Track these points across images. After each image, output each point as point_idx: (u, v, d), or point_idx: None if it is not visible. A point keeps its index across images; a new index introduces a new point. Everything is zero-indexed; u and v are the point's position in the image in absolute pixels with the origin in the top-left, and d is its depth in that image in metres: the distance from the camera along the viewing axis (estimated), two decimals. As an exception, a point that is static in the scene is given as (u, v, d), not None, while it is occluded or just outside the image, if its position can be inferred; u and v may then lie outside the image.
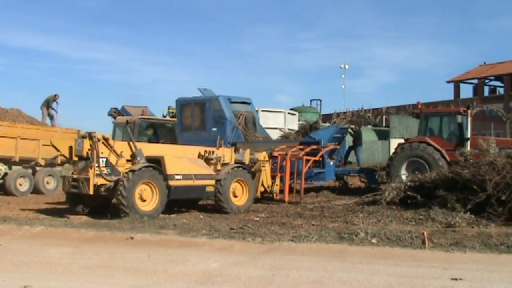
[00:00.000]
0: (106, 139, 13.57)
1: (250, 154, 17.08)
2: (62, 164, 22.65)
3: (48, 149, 21.13)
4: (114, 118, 23.86)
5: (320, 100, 36.02)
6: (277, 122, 26.82)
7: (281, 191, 17.56)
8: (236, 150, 16.70)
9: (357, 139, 22.37)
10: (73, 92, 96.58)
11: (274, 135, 24.64)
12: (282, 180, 17.70)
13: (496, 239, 9.67)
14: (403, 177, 16.74)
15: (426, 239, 9.39)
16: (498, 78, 56.48)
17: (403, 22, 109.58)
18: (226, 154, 16.29)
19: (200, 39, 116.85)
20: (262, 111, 26.48)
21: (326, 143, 19.55)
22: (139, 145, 14.16)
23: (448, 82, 59.82)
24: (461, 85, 58.72)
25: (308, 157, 18.04)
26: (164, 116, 25.28)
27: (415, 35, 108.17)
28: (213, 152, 15.76)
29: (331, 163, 19.28)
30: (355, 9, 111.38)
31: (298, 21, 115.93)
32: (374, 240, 9.65)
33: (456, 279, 7.02)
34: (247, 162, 16.81)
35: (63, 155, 21.67)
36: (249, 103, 23.49)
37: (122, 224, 11.92)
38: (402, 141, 19.41)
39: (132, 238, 10.19)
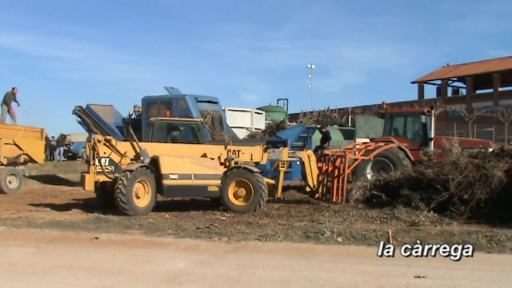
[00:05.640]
0: (108, 140, 14.04)
1: (290, 152, 16.28)
2: (25, 163, 22.30)
3: (11, 148, 20.81)
4: (79, 116, 23.63)
5: (287, 99, 36.23)
6: (244, 121, 26.87)
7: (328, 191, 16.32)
8: (269, 149, 15.91)
9: (326, 140, 22.60)
10: (37, 90, 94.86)
11: (241, 134, 24.66)
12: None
13: (458, 237, 9.84)
14: (369, 176, 16.94)
15: (390, 238, 9.49)
16: (461, 79, 57.72)
17: (370, 23, 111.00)
18: (255, 153, 15.59)
19: (168, 38, 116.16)
20: (229, 110, 26.50)
21: (292, 142, 19.58)
22: (143, 145, 14.41)
23: (413, 82, 60.91)
24: (425, 85, 59.83)
25: (355, 156, 17.18)
26: (129, 115, 24.97)
27: (382, 36, 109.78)
28: (238, 151, 15.21)
29: (298, 162, 19.29)
30: (323, 9, 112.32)
31: (266, 20, 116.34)
32: (339, 239, 9.72)
33: (419, 277, 7.11)
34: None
35: (26, 154, 21.52)
36: (216, 102, 23.50)
37: (87, 224, 11.75)
38: (367, 140, 19.65)
39: (97, 238, 10.05)
